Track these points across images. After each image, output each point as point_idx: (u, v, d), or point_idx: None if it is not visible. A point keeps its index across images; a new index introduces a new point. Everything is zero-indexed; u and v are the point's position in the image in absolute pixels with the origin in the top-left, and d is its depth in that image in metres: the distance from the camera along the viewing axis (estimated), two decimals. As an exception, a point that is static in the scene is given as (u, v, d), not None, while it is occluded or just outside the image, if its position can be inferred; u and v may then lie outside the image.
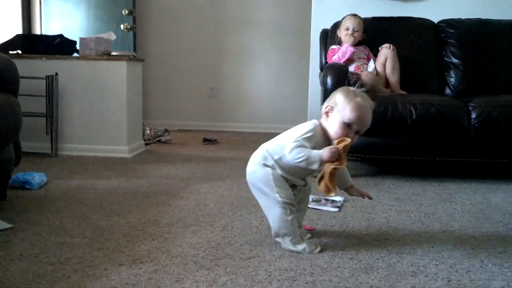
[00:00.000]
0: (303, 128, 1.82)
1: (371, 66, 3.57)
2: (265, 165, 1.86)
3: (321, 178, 1.79)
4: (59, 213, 2.29)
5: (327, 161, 1.73)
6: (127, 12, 5.20)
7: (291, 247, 1.86)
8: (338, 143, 1.75)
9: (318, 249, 1.86)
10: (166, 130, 4.67)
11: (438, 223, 2.27)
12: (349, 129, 1.78)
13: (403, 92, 3.46)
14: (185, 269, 1.66)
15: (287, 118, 5.40)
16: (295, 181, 1.89)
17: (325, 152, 1.73)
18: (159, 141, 4.55)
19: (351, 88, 1.85)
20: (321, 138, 1.83)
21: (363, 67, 3.54)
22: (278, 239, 1.90)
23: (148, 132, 4.58)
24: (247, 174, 1.94)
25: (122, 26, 5.20)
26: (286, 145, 1.78)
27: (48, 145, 3.74)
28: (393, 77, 3.52)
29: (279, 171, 1.84)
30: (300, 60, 5.43)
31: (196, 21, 5.75)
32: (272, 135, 1.94)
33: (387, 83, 3.54)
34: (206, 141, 4.66)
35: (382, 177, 3.25)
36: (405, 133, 3.13)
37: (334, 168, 1.74)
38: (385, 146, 3.18)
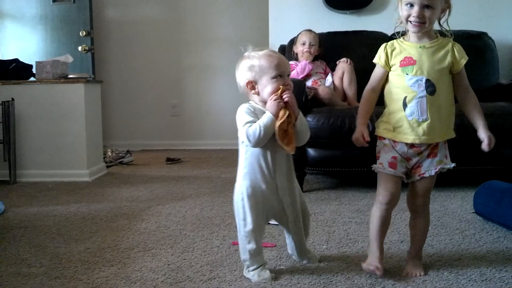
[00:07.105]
0: (238, 116, 1.78)
1: (328, 80, 3.63)
2: (244, 175, 1.80)
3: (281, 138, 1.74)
4: (16, 242, 2.24)
5: (276, 113, 1.71)
6: (84, 33, 5.15)
7: (244, 273, 1.80)
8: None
9: (268, 278, 1.75)
10: (128, 151, 4.62)
11: (397, 233, 2.31)
12: (281, 78, 1.75)
13: (360, 105, 3.52)
14: (144, 295, 1.65)
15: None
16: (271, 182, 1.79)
17: (268, 107, 1.73)
18: (121, 162, 4.50)
19: (246, 53, 1.82)
20: (258, 109, 1.78)
21: (320, 82, 3.59)
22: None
23: (110, 154, 4.52)
24: None
25: (80, 48, 5.15)
26: (242, 139, 1.76)
27: (6, 172, 3.66)
28: (350, 91, 3.58)
29: (252, 176, 1.78)
30: (261, 76, 5.44)
31: (155, 39, 5.72)
32: (237, 151, 1.90)
33: (344, 97, 3.60)
34: (169, 160, 4.63)
35: (344, 189, 3.28)
36: (363, 145, 3.17)
37: (282, 123, 1.71)
38: (344, 158, 3.22)
